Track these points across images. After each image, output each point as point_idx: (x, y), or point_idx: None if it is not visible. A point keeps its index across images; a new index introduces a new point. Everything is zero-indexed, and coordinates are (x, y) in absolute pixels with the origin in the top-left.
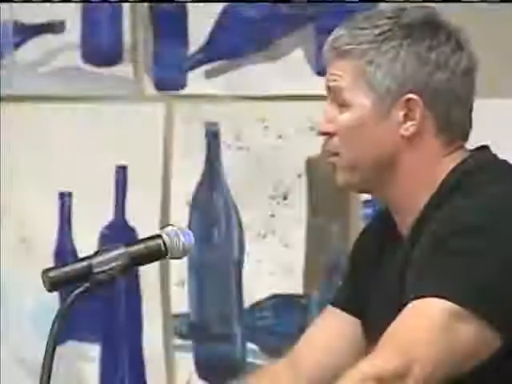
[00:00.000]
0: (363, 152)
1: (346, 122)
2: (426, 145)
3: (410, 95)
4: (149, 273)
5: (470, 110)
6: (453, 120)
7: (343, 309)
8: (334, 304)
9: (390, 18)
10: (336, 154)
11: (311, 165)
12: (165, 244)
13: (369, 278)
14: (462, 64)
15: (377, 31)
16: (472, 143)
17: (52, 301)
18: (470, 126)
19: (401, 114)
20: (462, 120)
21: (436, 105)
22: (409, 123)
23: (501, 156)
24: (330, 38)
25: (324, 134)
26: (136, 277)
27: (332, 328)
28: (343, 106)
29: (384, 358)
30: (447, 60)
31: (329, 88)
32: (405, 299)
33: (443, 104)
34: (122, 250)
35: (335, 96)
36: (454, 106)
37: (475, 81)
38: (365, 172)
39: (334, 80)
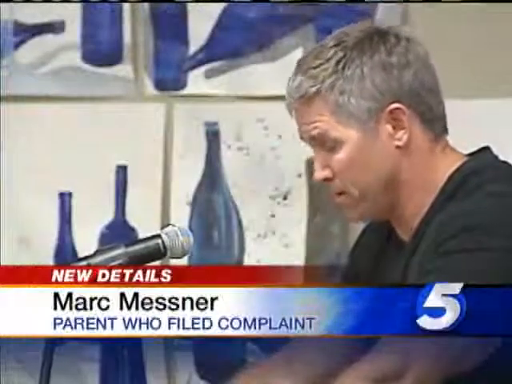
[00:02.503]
0: (368, 179)
1: (343, 160)
2: (417, 147)
3: (392, 106)
4: None
5: (442, 98)
6: (433, 111)
7: None
8: None
9: (336, 45)
10: (341, 193)
11: (311, 165)
12: (164, 244)
13: (370, 274)
14: (419, 55)
15: (333, 62)
16: (470, 143)
17: None
18: (446, 116)
19: (389, 127)
20: (440, 109)
21: (416, 103)
22: (400, 133)
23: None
24: (289, 90)
25: (324, 180)
26: None
27: None
28: (334, 146)
29: (382, 357)
30: (407, 57)
31: (312, 138)
32: None
33: (421, 100)
34: (121, 250)
35: (322, 142)
36: (429, 98)
37: (434, 67)
38: (375, 197)
39: (315, 128)
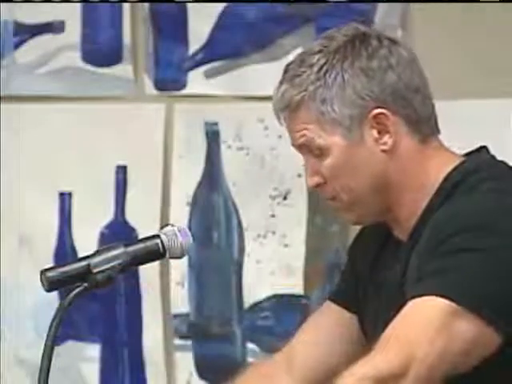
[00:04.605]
0: (357, 184)
1: (331, 166)
2: (405, 149)
3: (375, 111)
4: (149, 273)
5: (430, 98)
6: (419, 113)
7: (340, 304)
8: (331, 299)
9: (319, 51)
10: (333, 199)
11: None
12: (163, 244)
13: (368, 275)
14: (402, 57)
15: (315, 69)
16: (469, 143)
17: (52, 301)
18: (435, 116)
19: (374, 132)
20: (428, 110)
21: (400, 106)
22: (385, 137)
23: None
24: (275, 99)
25: (315, 186)
26: (136, 277)
27: (328, 324)
28: (321, 153)
29: (383, 357)
30: (389, 60)
31: (299, 146)
32: (404, 298)
33: (406, 102)
34: (120, 250)
35: (309, 149)
36: (415, 99)
37: (420, 66)
38: (367, 200)
39: (302, 136)
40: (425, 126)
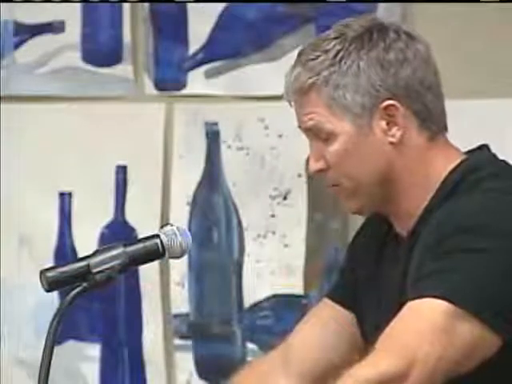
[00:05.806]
0: (361, 173)
1: (337, 152)
2: (412, 144)
3: (386, 102)
4: (149, 273)
5: (442, 96)
6: (430, 110)
7: (338, 302)
8: (329, 297)
9: (336, 38)
10: (336, 185)
11: None
12: (162, 244)
13: (367, 273)
14: (419, 52)
15: (331, 54)
16: (470, 143)
17: (52, 301)
18: (445, 114)
19: (383, 123)
20: (438, 108)
21: (412, 101)
22: (394, 129)
23: None
24: (288, 81)
25: (318, 171)
26: (136, 277)
27: (325, 322)
28: (328, 138)
29: (384, 359)
30: (405, 54)
31: (307, 129)
32: (404, 299)
33: (418, 97)
34: (120, 250)
35: (316, 133)
36: (427, 96)
37: (436, 64)
38: (369, 190)
39: (310, 119)
40: (434, 124)
